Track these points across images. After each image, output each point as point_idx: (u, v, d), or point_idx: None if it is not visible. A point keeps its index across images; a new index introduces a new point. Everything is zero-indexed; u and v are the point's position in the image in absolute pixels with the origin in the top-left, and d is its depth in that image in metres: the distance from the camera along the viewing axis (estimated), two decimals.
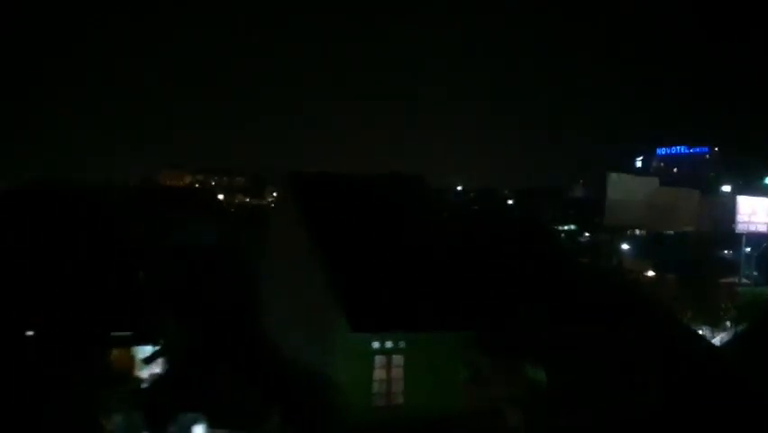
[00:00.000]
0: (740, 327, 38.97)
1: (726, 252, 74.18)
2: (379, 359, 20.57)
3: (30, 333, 26.20)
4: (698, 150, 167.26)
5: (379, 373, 20.63)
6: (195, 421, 16.83)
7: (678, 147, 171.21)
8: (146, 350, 31.06)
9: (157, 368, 30.78)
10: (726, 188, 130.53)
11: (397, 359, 20.70)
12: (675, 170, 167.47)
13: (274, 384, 21.56)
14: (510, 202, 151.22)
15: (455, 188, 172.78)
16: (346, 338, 20.20)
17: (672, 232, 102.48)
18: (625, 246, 77.21)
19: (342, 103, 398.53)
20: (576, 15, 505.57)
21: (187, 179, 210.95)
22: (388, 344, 20.56)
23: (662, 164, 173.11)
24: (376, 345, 20.45)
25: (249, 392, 20.86)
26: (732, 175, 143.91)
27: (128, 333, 30.33)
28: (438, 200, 38.52)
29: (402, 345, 20.68)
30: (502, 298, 22.24)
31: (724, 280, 53.42)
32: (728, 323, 42.61)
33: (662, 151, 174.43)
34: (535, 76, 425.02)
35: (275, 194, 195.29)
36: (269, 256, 26.95)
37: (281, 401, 20.49)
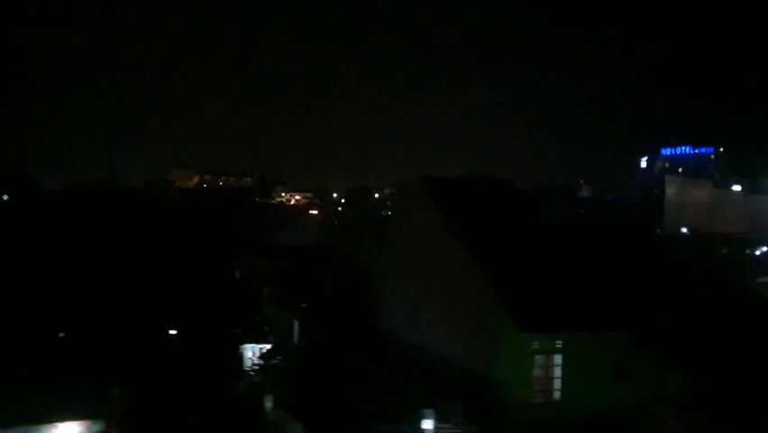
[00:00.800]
0: None
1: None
2: (538, 358, 21.80)
3: (173, 331, 27.32)
4: (703, 150, 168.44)
5: (538, 372, 21.87)
6: (426, 416, 17.89)
7: (683, 147, 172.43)
8: (247, 347, 32.25)
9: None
10: (737, 188, 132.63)
11: (555, 358, 21.93)
12: (680, 170, 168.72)
13: (430, 381, 22.67)
14: None
15: None
16: (512, 339, 21.38)
17: (686, 231, 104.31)
18: None
19: (344, 103, 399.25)
20: (581, 14, 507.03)
21: (196, 180, 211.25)
22: (547, 344, 21.78)
23: (666, 164, 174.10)
24: (536, 344, 21.66)
25: (412, 389, 21.99)
26: (738, 175, 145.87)
27: (238, 331, 31.53)
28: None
29: (559, 344, 21.89)
30: (645, 299, 23.55)
31: (760, 280, 54.88)
32: None
33: (666, 151, 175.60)
34: (539, 75, 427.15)
35: (283, 194, 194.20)
36: (391, 257, 28.09)
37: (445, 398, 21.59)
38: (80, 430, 22.05)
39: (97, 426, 22.16)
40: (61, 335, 24.94)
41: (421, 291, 25.73)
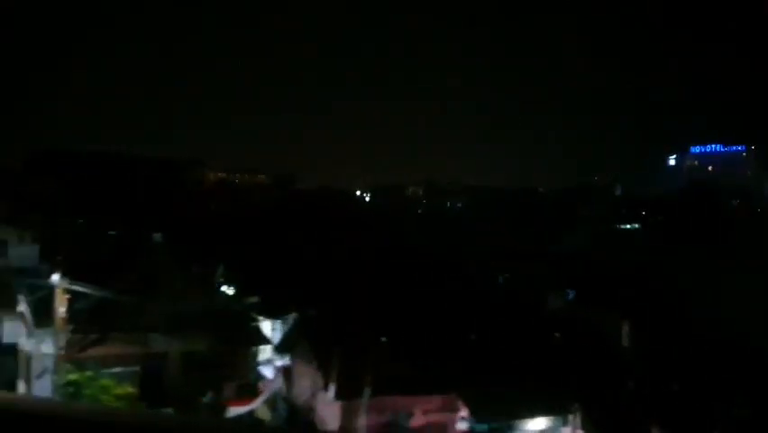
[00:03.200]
0: None
1: None
2: None
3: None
4: (733, 148, 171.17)
5: None
6: None
7: (713, 145, 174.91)
8: None
9: None
10: None
11: None
12: (710, 168, 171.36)
13: None
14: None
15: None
16: None
17: None
18: None
19: (370, 103, 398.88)
20: (609, 11, 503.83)
21: (210, 177, 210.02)
22: None
23: (695, 162, 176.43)
24: None
25: None
26: None
27: None
28: None
29: None
30: None
31: None
32: None
33: (696, 149, 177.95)
34: (566, 72, 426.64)
35: None
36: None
37: None
38: (549, 425, 23.39)
39: (559, 421, 23.48)
40: (472, 337, 26.16)
41: None
